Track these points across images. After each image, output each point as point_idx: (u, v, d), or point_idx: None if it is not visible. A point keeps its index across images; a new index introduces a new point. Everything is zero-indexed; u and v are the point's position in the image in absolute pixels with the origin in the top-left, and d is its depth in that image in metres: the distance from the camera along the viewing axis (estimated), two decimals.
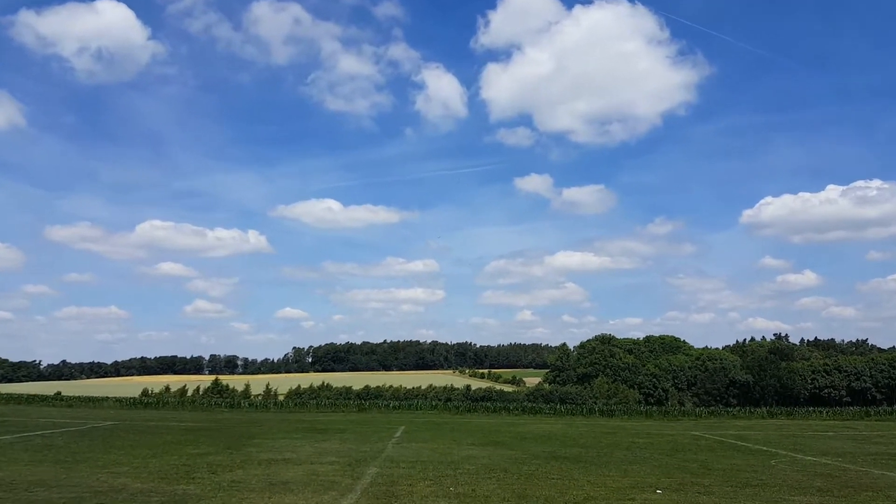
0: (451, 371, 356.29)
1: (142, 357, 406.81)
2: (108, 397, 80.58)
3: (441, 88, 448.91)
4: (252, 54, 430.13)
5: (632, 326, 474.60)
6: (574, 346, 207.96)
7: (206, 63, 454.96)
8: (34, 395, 77.97)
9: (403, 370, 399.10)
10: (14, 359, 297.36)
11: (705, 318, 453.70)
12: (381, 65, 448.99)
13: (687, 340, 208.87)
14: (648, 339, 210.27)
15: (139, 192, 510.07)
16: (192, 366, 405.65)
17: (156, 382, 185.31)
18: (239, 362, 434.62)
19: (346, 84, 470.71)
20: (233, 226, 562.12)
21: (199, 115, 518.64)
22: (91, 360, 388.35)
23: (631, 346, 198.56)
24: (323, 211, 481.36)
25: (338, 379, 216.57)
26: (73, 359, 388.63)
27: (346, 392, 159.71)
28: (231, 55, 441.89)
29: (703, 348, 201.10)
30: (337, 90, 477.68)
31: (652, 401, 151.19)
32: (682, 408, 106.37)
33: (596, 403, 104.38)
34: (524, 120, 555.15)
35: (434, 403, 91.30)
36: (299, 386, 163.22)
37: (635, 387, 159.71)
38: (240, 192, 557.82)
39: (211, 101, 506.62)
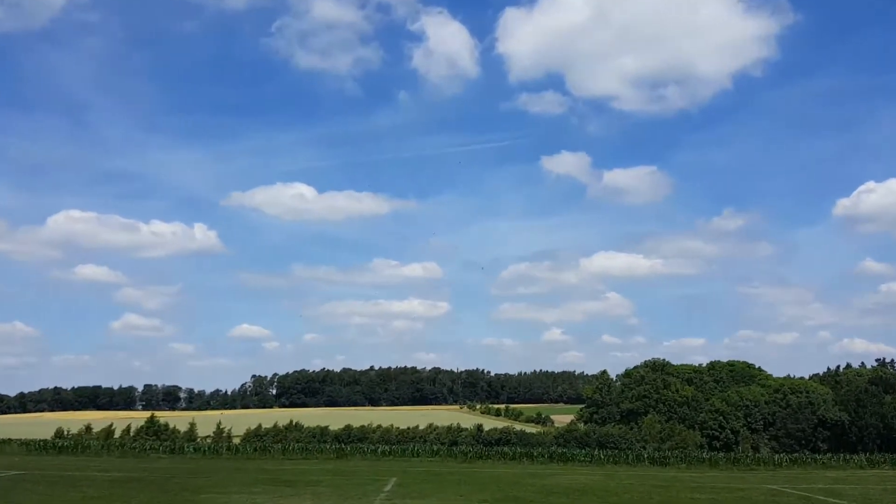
0: (457, 407, 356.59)
1: (55, 388, 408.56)
2: (10, 440, 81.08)
3: (445, 40, 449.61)
4: None
5: (692, 349, 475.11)
6: (617, 375, 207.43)
7: (139, 8, 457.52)
8: None
9: (396, 405, 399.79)
10: None
11: (787, 338, 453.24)
12: (368, 9, 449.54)
13: (763, 368, 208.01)
14: (713, 365, 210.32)
15: (52, 174, 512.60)
16: (120, 399, 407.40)
17: (74, 420, 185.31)
18: (182, 395, 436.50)
19: (322, 34, 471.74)
20: (174, 218, 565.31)
21: (130, 74, 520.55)
22: None
23: (691, 374, 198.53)
24: (292, 199, 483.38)
25: (311, 416, 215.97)
26: None
27: (322, 433, 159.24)
28: None
29: (785, 378, 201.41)
30: (309, 42, 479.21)
31: (717, 445, 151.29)
32: (757, 454, 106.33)
33: (645, 448, 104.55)
34: (553, 82, 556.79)
35: (435, 448, 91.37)
36: (260, 425, 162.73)
37: (696, 427, 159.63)
38: (183, 174, 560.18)
39: (145, 58, 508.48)
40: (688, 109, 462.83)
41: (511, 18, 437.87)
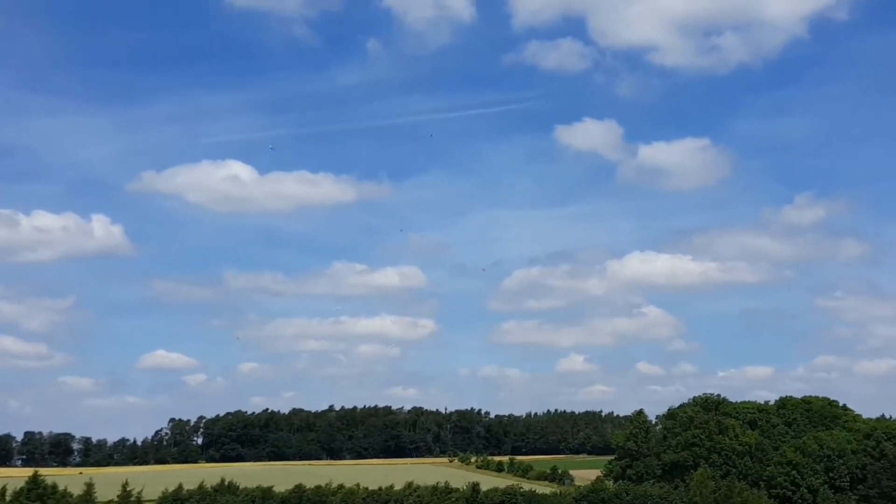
0: (446, 460, 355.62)
1: None
2: None
3: None
4: None
5: (756, 382, 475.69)
6: (657, 417, 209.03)
7: None
8: None
9: (364, 458, 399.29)
10: None
11: (881, 367, 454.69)
12: None
13: (850, 406, 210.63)
14: (784, 403, 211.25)
15: None
16: None
17: None
18: (75, 445, 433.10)
19: None
20: (65, 207, 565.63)
21: (6, 16, 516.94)
22: None
23: (754, 415, 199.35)
24: (223, 182, 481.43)
25: (250, 474, 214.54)
26: None
27: (264, 496, 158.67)
28: None
29: (878, 420, 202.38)
30: None
31: None
32: None
33: None
34: (572, 28, 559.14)
35: None
36: (181, 486, 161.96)
37: (761, 485, 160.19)
38: (77, 148, 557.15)
39: None
40: (750, 64, 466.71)
41: None
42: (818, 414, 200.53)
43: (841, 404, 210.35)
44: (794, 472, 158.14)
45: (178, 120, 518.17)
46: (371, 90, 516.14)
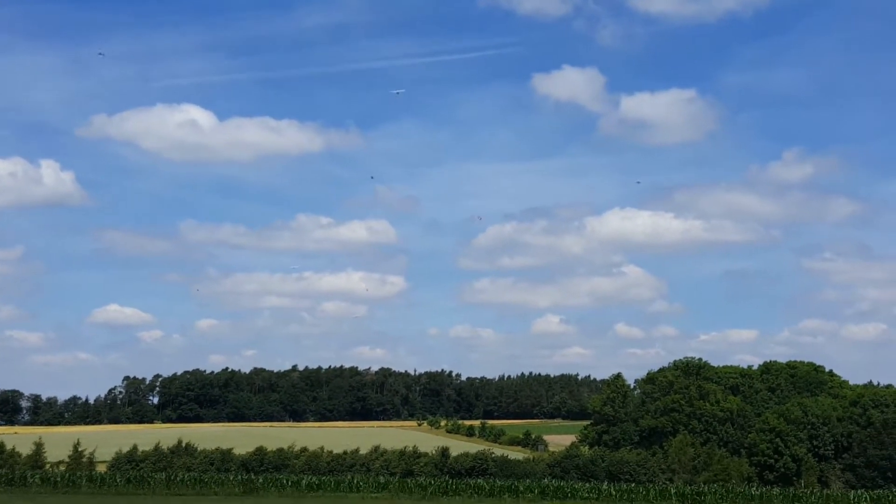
0: (414, 423, 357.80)
1: None
2: None
3: None
4: None
5: (739, 345, 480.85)
6: (636, 381, 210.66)
7: None
8: None
9: (328, 420, 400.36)
10: None
11: (870, 332, 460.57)
12: None
13: (836, 372, 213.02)
14: (768, 368, 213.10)
15: None
16: None
17: None
18: (24, 403, 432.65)
19: None
20: (12, 152, 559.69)
21: None
22: None
23: (737, 380, 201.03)
24: (181, 128, 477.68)
25: (208, 435, 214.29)
26: None
27: (223, 459, 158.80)
28: None
29: (865, 386, 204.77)
30: None
31: (772, 477, 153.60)
32: (826, 490, 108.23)
33: (672, 481, 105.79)
34: None
35: (383, 481, 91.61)
36: (136, 447, 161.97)
37: (743, 452, 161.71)
38: (23, 89, 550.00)
39: None
40: (739, 12, 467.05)
41: None
42: (803, 380, 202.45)
43: (827, 370, 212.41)
44: (776, 439, 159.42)
45: (131, 60, 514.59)
46: (338, 33, 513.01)
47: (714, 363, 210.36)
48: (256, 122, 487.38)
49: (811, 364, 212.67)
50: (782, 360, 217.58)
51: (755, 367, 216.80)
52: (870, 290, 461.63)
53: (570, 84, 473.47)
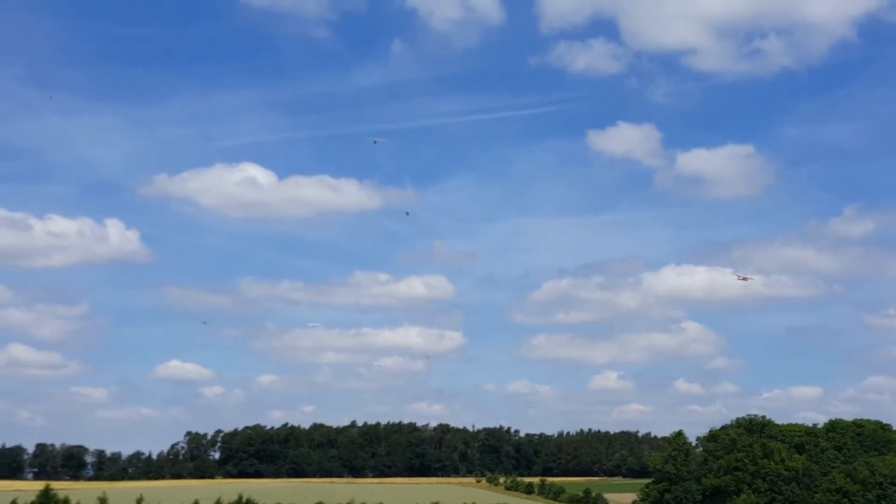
0: (473, 480, 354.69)
1: None
2: None
3: None
4: None
5: (803, 402, 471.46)
6: (698, 438, 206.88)
7: None
8: None
9: (387, 476, 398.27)
10: None
11: None
12: None
13: None
14: (833, 426, 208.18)
15: None
16: (3, 464, 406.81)
17: None
18: (88, 458, 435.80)
19: None
20: (79, 211, 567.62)
21: (13, 10, 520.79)
22: None
23: (801, 438, 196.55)
24: (240, 186, 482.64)
25: (268, 491, 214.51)
26: None
27: None
28: None
29: None
30: None
31: None
32: None
33: None
34: (603, 28, 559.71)
35: None
36: (197, 502, 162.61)
37: None
38: (89, 149, 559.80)
39: None
40: (794, 68, 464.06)
41: None
42: (870, 438, 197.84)
43: (894, 428, 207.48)
44: (844, 499, 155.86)
45: (191, 121, 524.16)
46: (394, 92, 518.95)
47: (778, 421, 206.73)
48: (315, 180, 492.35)
49: (877, 422, 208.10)
50: (848, 417, 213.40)
51: (820, 425, 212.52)
52: None
53: (626, 140, 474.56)
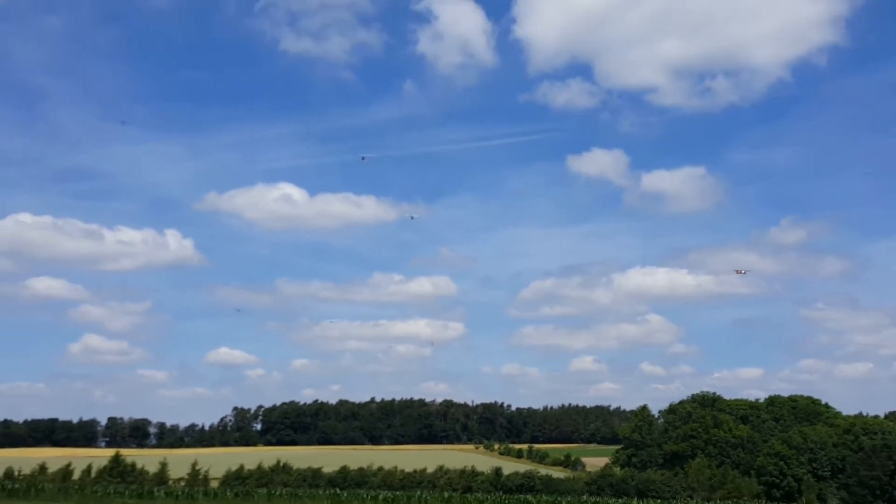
0: (472, 446, 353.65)
1: (5, 421, 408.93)
2: None
3: (457, 22, 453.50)
4: None
5: (747, 382, 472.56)
6: (660, 411, 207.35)
7: None
8: None
9: (400, 444, 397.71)
10: None
11: (858, 370, 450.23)
12: None
13: (831, 404, 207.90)
14: (772, 401, 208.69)
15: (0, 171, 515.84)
16: (80, 434, 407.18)
17: (26, 459, 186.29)
18: (151, 430, 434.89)
19: (316, 14, 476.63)
20: (143, 223, 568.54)
21: (92, 56, 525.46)
22: None
23: (746, 411, 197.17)
24: (277, 202, 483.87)
25: (301, 456, 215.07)
26: None
27: (314, 476, 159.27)
28: None
29: (856, 416, 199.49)
30: (300, 24, 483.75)
31: (777, 494, 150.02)
32: None
33: (692, 498, 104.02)
34: (580, 70, 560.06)
35: (447, 495, 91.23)
36: (242, 466, 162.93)
37: (752, 473, 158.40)
38: (153, 172, 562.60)
39: (110, 38, 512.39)
40: (739, 104, 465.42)
41: None
42: (803, 411, 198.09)
43: (823, 402, 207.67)
44: (781, 462, 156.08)
45: (238, 148, 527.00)
46: (407, 124, 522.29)
47: (726, 397, 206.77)
48: (340, 196, 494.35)
49: (809, 398, 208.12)
50: (784, 394, 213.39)
51: (761, 401, 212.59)
52: (857, 336, 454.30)
53: (599, 163, 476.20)
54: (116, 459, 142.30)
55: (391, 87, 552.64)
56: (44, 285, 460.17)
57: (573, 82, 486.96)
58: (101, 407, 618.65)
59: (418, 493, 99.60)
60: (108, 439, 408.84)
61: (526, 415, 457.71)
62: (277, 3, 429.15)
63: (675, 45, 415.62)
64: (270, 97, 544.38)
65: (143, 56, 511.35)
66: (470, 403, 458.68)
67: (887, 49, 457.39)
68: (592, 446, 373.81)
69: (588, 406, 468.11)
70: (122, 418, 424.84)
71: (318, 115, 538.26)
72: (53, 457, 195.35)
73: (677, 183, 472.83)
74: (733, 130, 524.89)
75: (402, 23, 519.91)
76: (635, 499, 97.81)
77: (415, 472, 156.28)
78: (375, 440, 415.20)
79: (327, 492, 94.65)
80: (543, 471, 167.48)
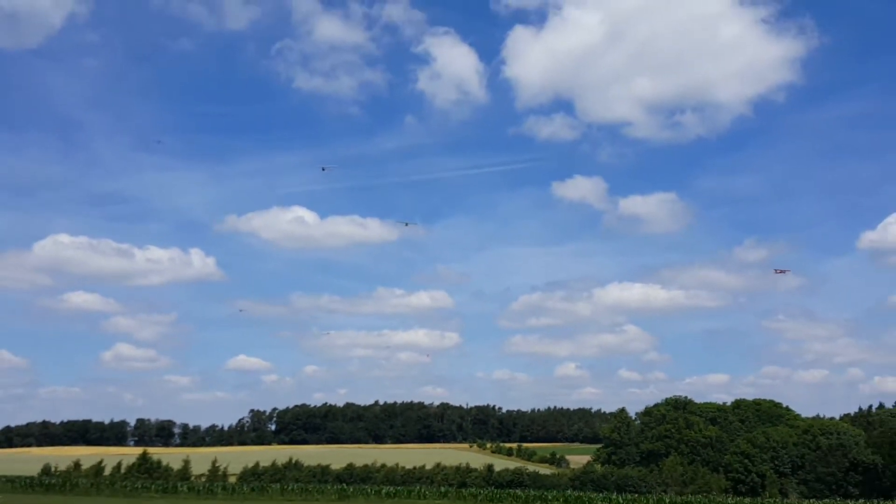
0: (466, 445, 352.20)
1: (43, 421, 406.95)
2: None
3: (452, 62, 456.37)
4: (199, 15, 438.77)
5: (715, 387, 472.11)
6: (636, 413, 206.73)
7: (139, 26, 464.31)
8: None
9: (402, 443, 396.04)
10: None
11: (815, 376, 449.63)
12: (374, 30, 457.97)
13: (791, 407, 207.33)
14: (738, 404, 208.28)
15: (40, 196, 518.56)
16: (111, 434, 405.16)
17: (62, 456, 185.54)
18: (176, 430, 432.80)
19: (326, 56, 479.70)
20: (170, 243, 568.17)
21: (126, 93, 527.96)
22: None
23: (714, 413, 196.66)
24: (291, 224, 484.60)
25: (311, 454, 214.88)
26: None
27: (323, 473, 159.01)
28: (171, 17, 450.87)
29: (814, 418, 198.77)
30: (313, 64, 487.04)
31: (743, 489, 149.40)
32: (785, 500, 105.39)
33: (666, 492, 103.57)
34: (562, 105, 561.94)
35: (444, 490, 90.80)
36: (258, 464, 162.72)
37: (720, 470, 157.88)
38: (179, 196, 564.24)
39: (142, 76, 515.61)
40: (706, 136, 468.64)
41: (519, 39, 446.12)
42: (766, 413, 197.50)
43: (784, 405, 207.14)
44: (746, 460, 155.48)
45: (256, 175, 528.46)
46: (408, 153, 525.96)
47: (696, 400, 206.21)
48: (348, 219, 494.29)
49: (772, 401, 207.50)
50: (749, 398, 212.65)
51: (728, 404, 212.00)
52: (814, 345, 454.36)
53: (581, 189, 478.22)
54: (144, 457, 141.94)
55: (394, 121, 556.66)
56: (80, 299, 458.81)
57: (557, 117, 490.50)
58: (130, 409, 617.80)
59: (418, 487, 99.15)
60: (136, 439, 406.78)
61: (515, 416, 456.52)
62: (292, 46, 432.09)
63: (648, 83, 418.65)
64: (285, 129, 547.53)
65: (171, 93, 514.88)
66: (465, 406, 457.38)
67: (838, 87, 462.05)
68: (576, 445, 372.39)
69: (571, 408, 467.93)
70: (149, 419, 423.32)
71: (328, 145, 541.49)
72: (87, 455, 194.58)
73: (651, 207, 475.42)
74: (701, 160, 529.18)
75: (404, 64, 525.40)
76: (615, 493, 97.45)
77: (414, 468, 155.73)
78: (379, 439, 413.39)
79: (335, 487, 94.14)
80: (531, 468, 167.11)
